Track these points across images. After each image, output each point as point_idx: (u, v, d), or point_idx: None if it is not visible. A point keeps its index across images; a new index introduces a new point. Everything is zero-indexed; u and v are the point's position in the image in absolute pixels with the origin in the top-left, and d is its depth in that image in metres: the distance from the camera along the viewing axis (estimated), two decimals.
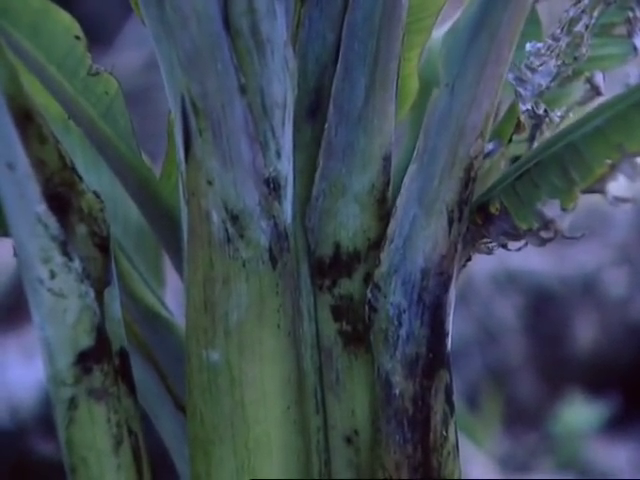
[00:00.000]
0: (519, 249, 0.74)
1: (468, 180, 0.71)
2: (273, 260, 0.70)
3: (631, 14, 0.80)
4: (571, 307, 2.79)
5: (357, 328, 0.73)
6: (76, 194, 0.70)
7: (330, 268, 0.73)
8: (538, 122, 0.78)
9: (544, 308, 2.80)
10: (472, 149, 0.71)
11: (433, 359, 0.72)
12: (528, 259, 2.78)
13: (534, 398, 2.76)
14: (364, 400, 0.74)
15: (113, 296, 0.72)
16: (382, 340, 0.72)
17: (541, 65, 0.77)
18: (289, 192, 0.71)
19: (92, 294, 0.70)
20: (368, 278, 0.73)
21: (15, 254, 0.71)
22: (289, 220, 0.71)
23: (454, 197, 0.71)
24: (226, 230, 0.69)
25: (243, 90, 0.67)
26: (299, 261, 0.74)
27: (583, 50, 0.78)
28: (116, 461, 0.71)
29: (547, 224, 0.68)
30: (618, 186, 0.66)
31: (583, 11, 0.78)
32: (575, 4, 0.78)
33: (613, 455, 2.57)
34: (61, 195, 0.69)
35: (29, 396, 2.20)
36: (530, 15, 0.79)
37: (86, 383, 0.71)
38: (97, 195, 0.71)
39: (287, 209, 0.71)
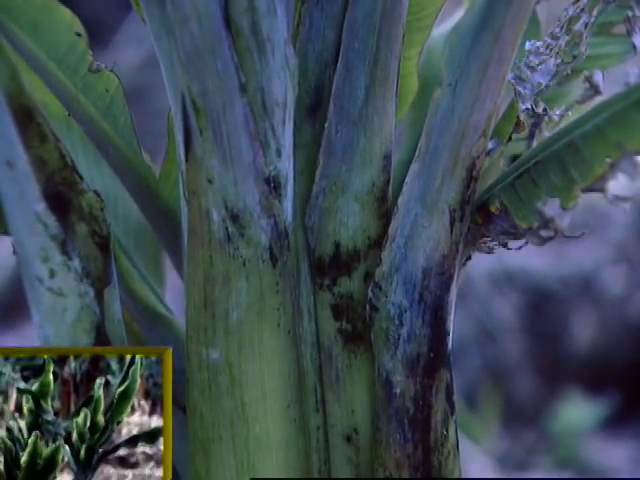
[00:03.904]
0: (519, 248, 0.74)
1: (470, 180, 0.71)
2: (273, 259, 0.70)
3: (630, 13, 0.80)
4: (569, 306, 2.79)
5: (357, 327, 0.73)
6: (76, 193, 0.70)
7: (330, 267, 0.73)
8: (537, 121, 0.78)
9: (542, 307, 2.80)
10: (474, 149, 0.71)
11: (434, 358, 0.72)
12: (526, 258, 2.78)
13: (533, 396, 2.76)
14: (364, 399, 0.74)
15: (113, 295, 0.72)
16: (383, 339, 0.72)
17: (540, 64, 0.77)
18: (289, 191, 0.71)
19: (92, 293, 0.70)
20: (368, 277, 0.73)
21: (14, 252, 0.71)
22: (289, 219, 0.71)
23: (456, 196, 0.71)
24: (226, 229, 0.69)
25: (243, 89, 0.67)
26: (299, 260, 0.74)
27: (582, 49, 0.78)
28: None
29: (547, 223, 0.68)
30: (618, 185, 0.66)
31: (582, 10, 0.78)
32: (574, 3, 0.78)
33: (611, 453, 2.58)
34: (61, 194, 0.69)
35: None
36: None
37: None
38: (98, 194, 0.71)
39: (287, 208, 0.71)
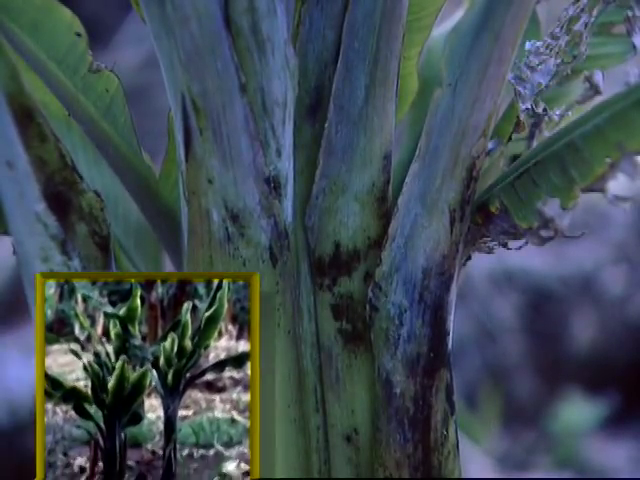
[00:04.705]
0: (519, 248, 0.74)
1: (470, 180, 0.71)
2: (273, 259, 0.70)
3: (630, 13, 0.80)
4: (569, 306, 2.79)
5: (357, 327, 0.73)
6: (76, 193, 0.70)
7: (330, 267, 0.73)
8: (537, 121, 0.78)
9: (542, 307, 2.80)
10: (474, 149, 0.71)
11: (434, 358, 0.72)
12: (526, 258, 2.78)
13: (533, 396, 2.76)
14: (364, 399, 0.74)
15: None
16: (383, 339, 0.72)
17: (540, 64, 0.77)
18: (289, 191, 0.71)
19: None
20: (368, 277, 0.73)
21: (14, 252, 0.71)
22: (289, 219, 0.71)
23: (456, 196, 0.71)
24: (226, 229, 0.69)
25: (243, 89, 0.67)
26: (299, 260, 0.74)
27: (582, 49, 0.78)
28: None
29: (547, 223, 0.68)
30: (618, 185, 0.66)
31: (582, 10, 0.78)
32: (574, 3, 0.78)
33: (611, 453, 2.58)
34: (61, 194, 0.69)
35: (28, 395, 2.20)
36: None
37: None
38: (98, 194, 0.71)
39: (287, 208, 0.71)
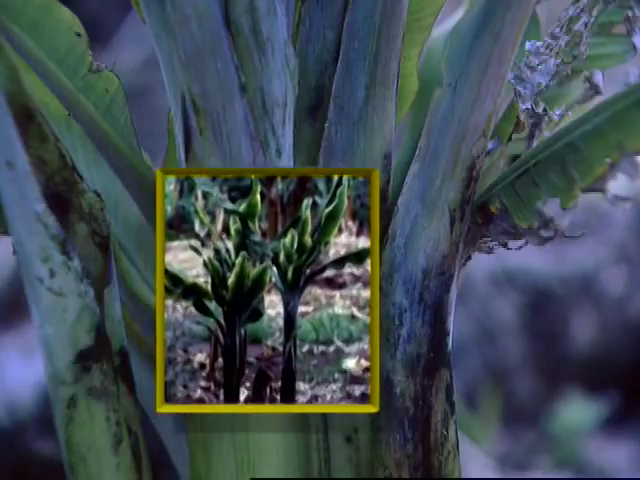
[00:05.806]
0: (519, 248, 0.74)
1: (470, 179, 0.72)
2: None
3: (630, 13, 0.80)
4: (569, 306, 2.79)
5: None
6: (76, 193, 0.70)
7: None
8: (537, 121, 0.78)
9: (542, 307, 2.80)
10: (474, 148, 0.71)
11: (434, 358, 0.72)
12: (526, 258, 2.79)
13: (533, 396, 2.76)
14: None
15: (113, 295, 0.72)
16: (383, 339, 0.72)
17: (540, 64, 0.77)
18: None
19: (92, 293, 0.70)
20: None
21: (14, 252, 0.71)
22: None
23: (456, 196, 0.71)
24: None
25: (243, 89, 0.67)
26: None
27: (582, 49, 0.78)
28: (115, 460, 0.71)
29: (547, 223, 0.68)
30: (618, 185, 0.66)
31: (582, 10, 0.78)
32: (574, 3, 0.78)
33: (611, 453, 2.58)
34: (61, 194, 0.69)
35: (28, 395, 2.20)
36: None
37: (85, 382, 0.70)
38: (98, 194, 0.71)
39: None
